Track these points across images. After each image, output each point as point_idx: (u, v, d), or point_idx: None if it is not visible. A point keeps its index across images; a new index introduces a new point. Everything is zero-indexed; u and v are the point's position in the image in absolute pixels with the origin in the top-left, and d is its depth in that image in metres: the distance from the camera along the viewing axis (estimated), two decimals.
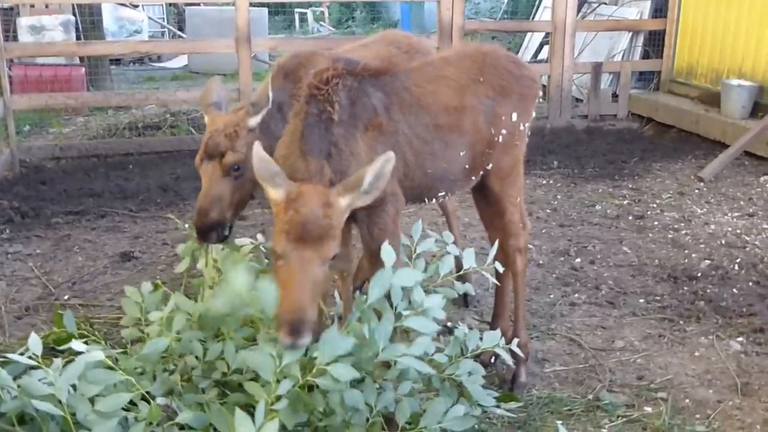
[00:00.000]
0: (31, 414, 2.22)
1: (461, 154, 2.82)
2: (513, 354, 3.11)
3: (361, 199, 2.30)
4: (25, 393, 2.19)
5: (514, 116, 2.93)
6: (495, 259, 3.27)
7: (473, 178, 2.97)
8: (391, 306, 2.38)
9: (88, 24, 9.31)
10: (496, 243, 2.91)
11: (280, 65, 3.20)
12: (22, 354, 2.35)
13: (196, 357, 2.51)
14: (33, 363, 2.26)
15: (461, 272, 2.90)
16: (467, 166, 2.87)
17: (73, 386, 2.30)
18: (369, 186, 2.28)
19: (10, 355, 2.33)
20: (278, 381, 2.17)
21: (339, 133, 2.46)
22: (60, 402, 2.14)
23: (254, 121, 2.85)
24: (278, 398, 2.16)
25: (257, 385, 2.20)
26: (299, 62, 3.14)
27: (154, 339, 2.47)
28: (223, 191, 2.83)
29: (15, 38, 8.85)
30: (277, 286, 2.22)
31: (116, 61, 11.25)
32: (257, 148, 2.32)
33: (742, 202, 5.55)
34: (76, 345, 2.31)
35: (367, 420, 2.33)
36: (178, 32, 13.72)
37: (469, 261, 2.81)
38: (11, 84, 6.76)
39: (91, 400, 2.22)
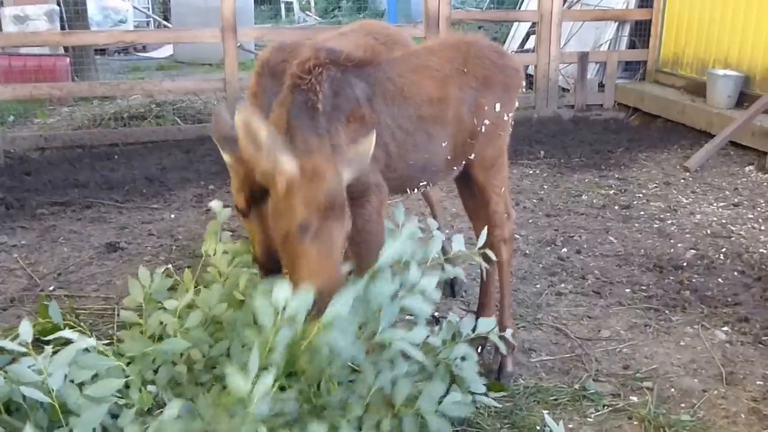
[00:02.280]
0: (18, 402, 2.21)
1: (443, 144, 2.81)
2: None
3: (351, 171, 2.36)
4: (13, 380, 2.18)
5: (498, 106, 2.92)
6: (480, 249, 3.29)
7: (455, 168, 2.97)
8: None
9: (73, 14, 9.20)
10: (484, 232, 2.91)
11: (264, 61, 3.15)
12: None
13: (203, 354, 2.53)
14: (24, 350, 2.23)
15: (449, 256, 2.89)
16: (449, 157, 2.87)
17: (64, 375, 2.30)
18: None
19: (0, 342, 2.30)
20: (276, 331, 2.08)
21: (322, 124, 2.45)
22: (50, 390, 2.14)
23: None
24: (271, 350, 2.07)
25: (253, 329, 2.14)
26: (284, 59, 3.10)
27: (173, 338, 2.47)
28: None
29: None
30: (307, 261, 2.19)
31: (101, 51, 11.14)
32: (253, 116, 2.23)
33: (727, 192, 5.59)
34: (67, 333, 2.30)
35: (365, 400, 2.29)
36: (164, 22, 13.58)
37: (458, 245, 2.79)
38: None
39: (81, 388, 2.22)
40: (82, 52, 8.93)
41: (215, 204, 3.07)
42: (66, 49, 8.73)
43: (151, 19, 13.97)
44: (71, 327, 2.79)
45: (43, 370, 2.16)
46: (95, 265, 4.24)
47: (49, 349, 2.39)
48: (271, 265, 2.75)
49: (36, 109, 7.69)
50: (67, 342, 2.63)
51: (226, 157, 2.74)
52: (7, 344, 2.25)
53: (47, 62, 8.25)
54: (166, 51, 12.39)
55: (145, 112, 7.26)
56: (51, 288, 3.94)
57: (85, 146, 6.55)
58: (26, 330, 2.26)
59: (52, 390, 2.15)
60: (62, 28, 9.23)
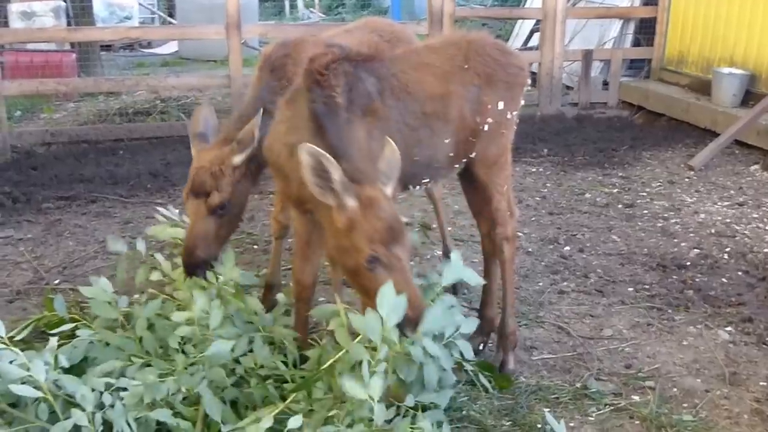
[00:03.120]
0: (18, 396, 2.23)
1: (446, 141, 2.82)
2: (501, 341, 3.16)
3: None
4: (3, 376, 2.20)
5: (501, 104, 2.92)
6: (483, 247, 3.30)
7: (456, 165, 2.98)
8: None
9: (79, 10, 9.25)
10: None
11: (266, 56, 3.19)
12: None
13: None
14: (2, 346, 2.26)
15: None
16: (451, 154, 2.87)
17: (65, 369, 2.33)
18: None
19: None
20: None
21: (344, 119, 2.47)
22: (38, 382, 2.16)
23: (239, 159, 2.87)
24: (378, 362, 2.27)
25: (360, 345, 2.29)
26: (286, 54, 3.12)
27: (220, 341, 2.49)
28: (208, 229, 2.88)
29: (6, 24, 8.79)
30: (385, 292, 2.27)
31: (107, 47, 11.18)
32: (322, 156, 2.27)
33: (732, 191, 5.58)
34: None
35: None
36: (169, 18, 13.59)
37: (456, 258, 2.80)
38: (2, 70, 6.74)
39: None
40: (88, 48, 8.95)
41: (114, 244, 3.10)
42: (72, 45, 8.76)
43: (156, 16, 13.99)
44: (76, 321, 2.81)
45: (26, 364, 2.18)
46: (100, 259, 4.26)
47: (54, 340, 2.42)
48: (193, 267, 2.86)
49: (42, 104, 7.73)
50: (72, 335, 2.67)
51: (194, 151, 2.92)
52: None
53: (53, 58, 8.29)
54: (171, 47, 12.41)
55: (150, 108, 7.29)
56: (56, 281, 3.97)
57: (91, 141, 6.59)
58: None
59: (49, 382, 2.17)
60: (68, 24, 9.28)
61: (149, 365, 2.54)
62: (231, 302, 2.73)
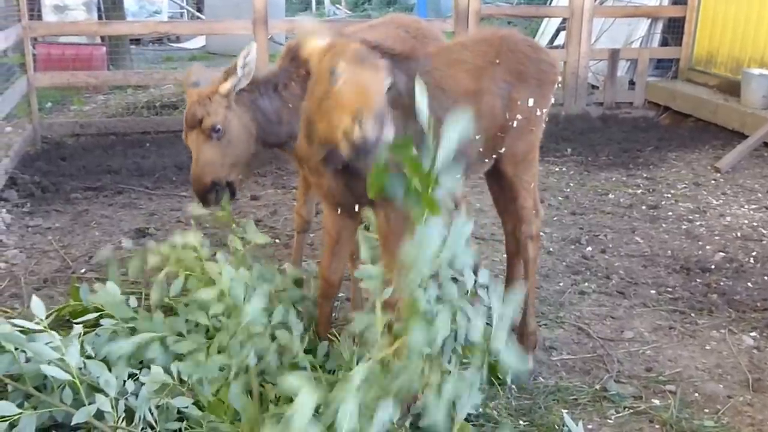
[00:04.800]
0: (44, 378, 2.28)
1: (476, 137, 2.82)
2: (521, 340, 3.15)
3: None
4: (34, 358, 2.26)
5: (531, 101, 2.91)
6: (507, 245, 3.30)
7: (486, 161, 2.98)
8: None
9: (110, 4, 9.43)
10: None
11: (290, 47, 3.22)
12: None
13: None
14: (40, 328, 2.30)
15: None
16: (481, 150, 2.87)
17: (90, 356, 2.38)
18: None
19: (15, 321, 2.37)
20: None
21: None
22: (69, 366, 2.21)
23: (225, 86, 2.91)
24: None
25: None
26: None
27: (253, 303, 2.49)
28: (210, 154, 2.93)
29: (39, 17, 8.95)
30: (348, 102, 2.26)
31: (136, 41, 11.34)
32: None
33: (759, 195, 5.49)
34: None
35: None
36: (197, 13, 13.74)
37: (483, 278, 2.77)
38: (35, 62, 6.86)
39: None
40: (117, 42, 9.10)
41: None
42: (102, 38, 8.91)
43: (185, 11, 14.15)
44: (100, 310, 2.86)
45: (61, 347, 2.23)
46: (125, 250, 4.33)
47: (78, 328, 2.47)
48: (204, 194, 2.94)
49: (72, 96, 7.88)
50: (96, 324, 2.73)
51: (187, 96, 2.99)
52: (24, 323, 2.33)
53: (84, 51, 8.45)
54: (199, 42, 12.54)
55: (177, 102, 7.37)
56: (82, 271, 4.05)
57: (119, 133, 6.70)
58: (38, 307, 2.33)
59: (77, 367, 2.22)
60: (99, 18, 9.43)
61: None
62: (262, 276, 2.76)
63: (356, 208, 2.64)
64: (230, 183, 3.00)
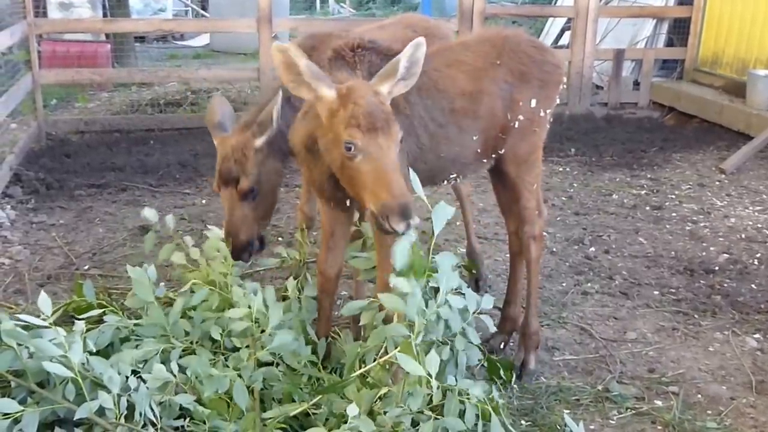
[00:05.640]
0: (47, 374, 2.28)
1: (474, 137, 2.82)
2: (523, 340, 3.14)
3: (399, 87, 2.40)
4: (38, 354, 2.26)
5: (533, 102, 2.90)
6: (510, 245, 3.29)
7: (485, 161, 2.97)
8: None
9: (115, 1, 9.46)
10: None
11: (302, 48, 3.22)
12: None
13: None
14: (44, 324, 2.31)
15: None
16: (479, 150, 2.87)
17: (92, 352, 2.38)
18: (405, 72, 2.38)
19: (21, 316, 2.38)
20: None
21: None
22: (71, 363, 2.21)
23: (260, 141, 2.92)
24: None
25: (401, 325, 2.32)
26: (313, 45, 3.15)
27: (283, 332, 2.56)
28: (245, 214, 2.96)
29: (44, 14, 8.96)
30: (364, 182, 2.25)
31: (140, 39, 11.35)
32: (290, 48, 2.29)
33: (764, 196, 5.46)
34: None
35: None
36: (201, 11, 13.75)
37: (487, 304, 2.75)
38: (40, 59, 6.87)
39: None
40: (122, 39, 9.10)
41: (149, 213, 3.15)
42: (107, 36, 8.92)
43: (190, 9, 14.16)
44: (103, 306, 2.87)
45: (64, 344, 2.23)
46: (128, 247, 4.35)
47: (81, 324, 2.47)
48: (239, 252, 2.95)
49: (77, 93, 7.90)
50: (100, 320, 2.73)
51: (216, 140, 2.99)
52: (29, 319, 2.33)
53: (89, 48, 8.46)
54: (203, 40, 12.56)
55: (181, 100, 7.39)
56: (86, 267, 4.06)
57: (123, 131, 6.72)
58: (45, 303, 2.34)
59: (80, 363, 2.23)
60: (104, 15, 9.45)
61: (193, 353, 2.61)
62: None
63: (348, 202, 2.64)
64: (262, 237, 3.03)
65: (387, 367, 2.39)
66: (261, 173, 2.94)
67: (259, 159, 2.93)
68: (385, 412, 2.26)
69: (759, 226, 4.88)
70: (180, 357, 2.58)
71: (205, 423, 2.34)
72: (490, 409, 2.37)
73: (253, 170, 2.91)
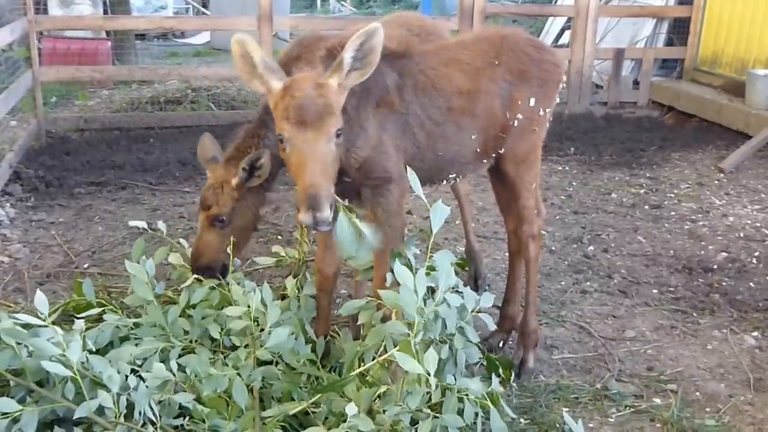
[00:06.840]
0: (46, 373, 2.29)
1: (472, 137, 2.82)
2: (522, 339, 3.15)
3: (353, 77, 2.37)
4: (36, 353, 2.27)
5: (532, 101, 2.90)
6: (509, 244, 3.30)
7: (484, 161, 2.97)
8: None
9: None
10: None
11: (284, 52, 3.26)
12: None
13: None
14: (42, 323, 2.31)
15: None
16: (478, 149, 2.87)
17: (92, 350, 2.39)
18: (353, 62, 2.35)
19: (20, 315, 2.38)
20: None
21: (352, 103, 2.49)
22: (70, 362, 2.22)
23: (236, 181, 3.00)
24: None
25: (400, 323, 2.36)
26: (299, 53, 3.15)
27: (279, 330, 2.57)
28: (210, 239, 3.05)
29: (45, 11, 8.95)
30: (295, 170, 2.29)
31: (141, 36, 11.34)
32: (247, 41, 2.33)
33: (762, 195, 5.48)
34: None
35: None
36: (202, 9, 13.75)
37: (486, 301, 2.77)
38: (40, 56, 6.87)
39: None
40: (123, 37, 9.10)
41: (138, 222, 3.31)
42: (108, 33, 8.92)
43: (190, 6, 14.15)
44: (103, 305, 2.88)
45: (62, 343, 2.24)
46: (128, 245, 4.35)
47: (80, 323, 2.48)
48: (199, 272, 3.02)
49: (77, 91, 7.89)
50: (99, 319, 2.74)
51: (208, 173, 3.12)
52: (27, 318, 2.34)
53: (90, 46, 8.46)
54: (204, 38, 12.55)
55: (181, 97, 7.38)
56: (85, 265, 4.06)
57: (123, 129, 6.72)
58: (42, 302, 2.34)
59: (79, 362, 2.23)
60: (105, 12, 9.44)
61: (192, 352, 2.63)
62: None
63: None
64: (225, 265, 3.08)
65: (386, 365, 2.40)
66: (235, 208, 3.03)
67: (234, 195, 3.02)
68: (384, 411, 2.27)
69: (757, 224, 4.89)
70: (179, 356, 2.59)
71: (204, 422, 2.34)
72: (490, 403, 2.38)
73: (227, 203, 3.01)
